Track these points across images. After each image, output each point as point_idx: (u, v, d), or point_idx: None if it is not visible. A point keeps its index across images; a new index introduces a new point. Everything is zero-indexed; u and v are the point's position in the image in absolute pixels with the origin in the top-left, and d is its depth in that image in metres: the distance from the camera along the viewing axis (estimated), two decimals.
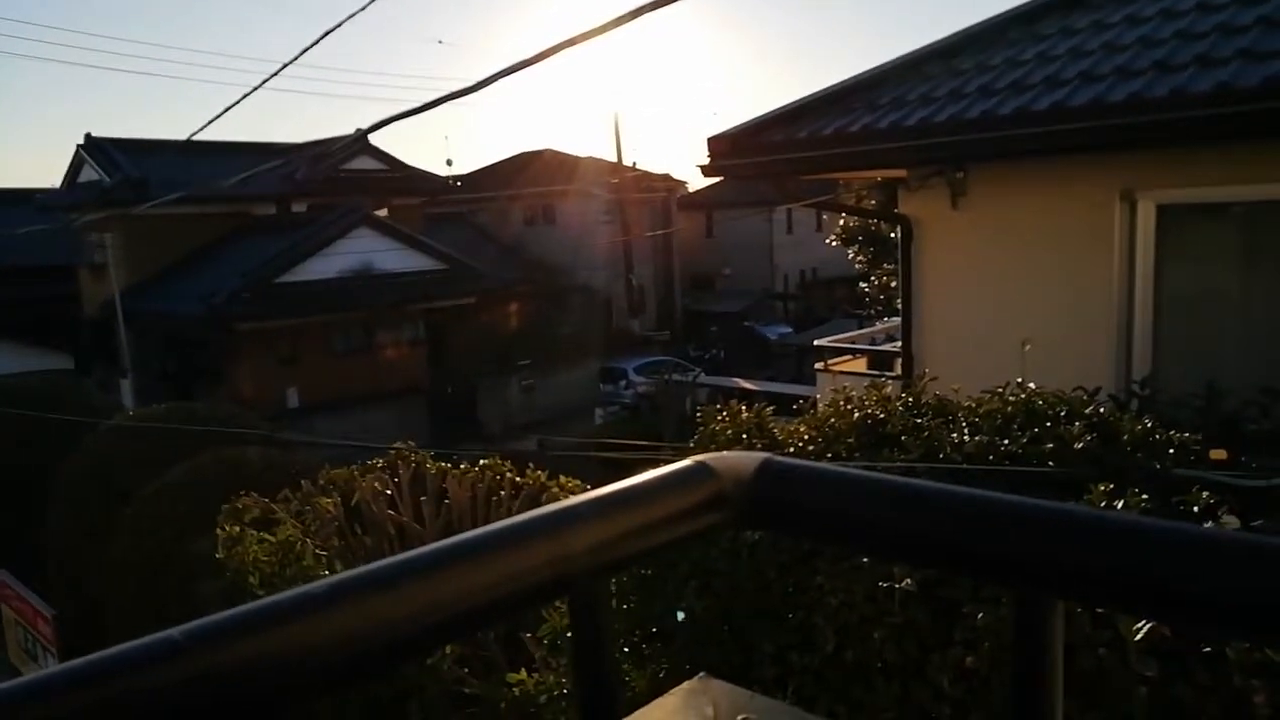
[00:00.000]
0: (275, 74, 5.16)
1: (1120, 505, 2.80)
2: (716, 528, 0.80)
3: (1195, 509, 2.82)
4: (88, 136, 23.32)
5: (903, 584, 2.74)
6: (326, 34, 4.51)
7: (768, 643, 3.04)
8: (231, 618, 0.53)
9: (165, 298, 21.05)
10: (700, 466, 0.80)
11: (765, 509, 0.79)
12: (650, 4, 3.05)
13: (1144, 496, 2.81)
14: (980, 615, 2.61)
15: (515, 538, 0.67)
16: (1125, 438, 3.41)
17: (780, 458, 0.81)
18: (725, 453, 0.87)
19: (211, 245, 22.60)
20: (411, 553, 0.63)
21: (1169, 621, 1.97)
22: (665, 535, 0.77)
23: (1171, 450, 3.31)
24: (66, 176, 24.35)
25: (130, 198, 19.52)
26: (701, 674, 1.10)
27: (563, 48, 3.65)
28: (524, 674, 3.63)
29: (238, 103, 5.77)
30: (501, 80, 4.09)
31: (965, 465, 3.26)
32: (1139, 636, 2.31)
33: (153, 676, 0.49)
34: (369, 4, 4.28)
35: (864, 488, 0.76)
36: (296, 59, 4.89)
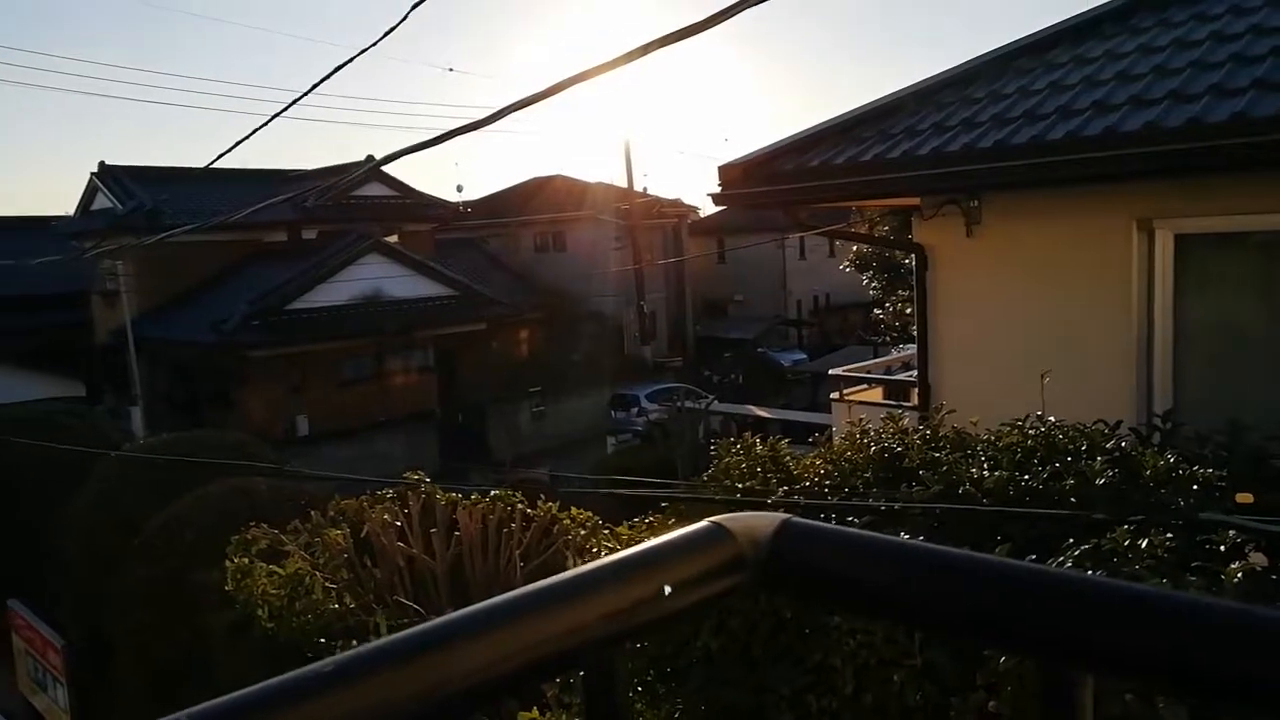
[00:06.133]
0: (291, 104, 5.19)
1: (1144, 545, 2.73)
2: (733, 592, 0.77)
3: (1222, 548, 2.75)
4: (101, 164, 23.63)
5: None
6: (338, 68, 4.54)
7: (784, 684, 2.97)
8: (241, 698, 0.52)
9: (176, 325, 21.19)
10: (716, 528, 0.77)
11: (784, 573, 0.77)
12: (659, 40, 3.04)
13: (1169, 536, 2.74)
14: (1003, 659, 2.54)
15: (526, 609, 0.65)
16: (1148, 473, 3.34)
17: (799, 519, 0.78)
18: (742, 514, 0.85)
19: (223, 272, 22.77)
20: (420, 627, 0.62)
21: (1207, 704, 1.90)
22: (681, 601, 0.74)
23: (1195, 487, 3.24)
24: (80, 204, 24.66)
25: (143, 225, 19.72)
26: None
27: (575, 81, 3.65)
28: (535, 713, 3.56)
29: (255, 132, 5.82)
30: (517, 110, 4.09)
31: (985, 502, 3.19)
32: None
33: None
34: (382, 38, 4.31)
35: (888, 554, 0.73)
36: (312, 90, 4.93)
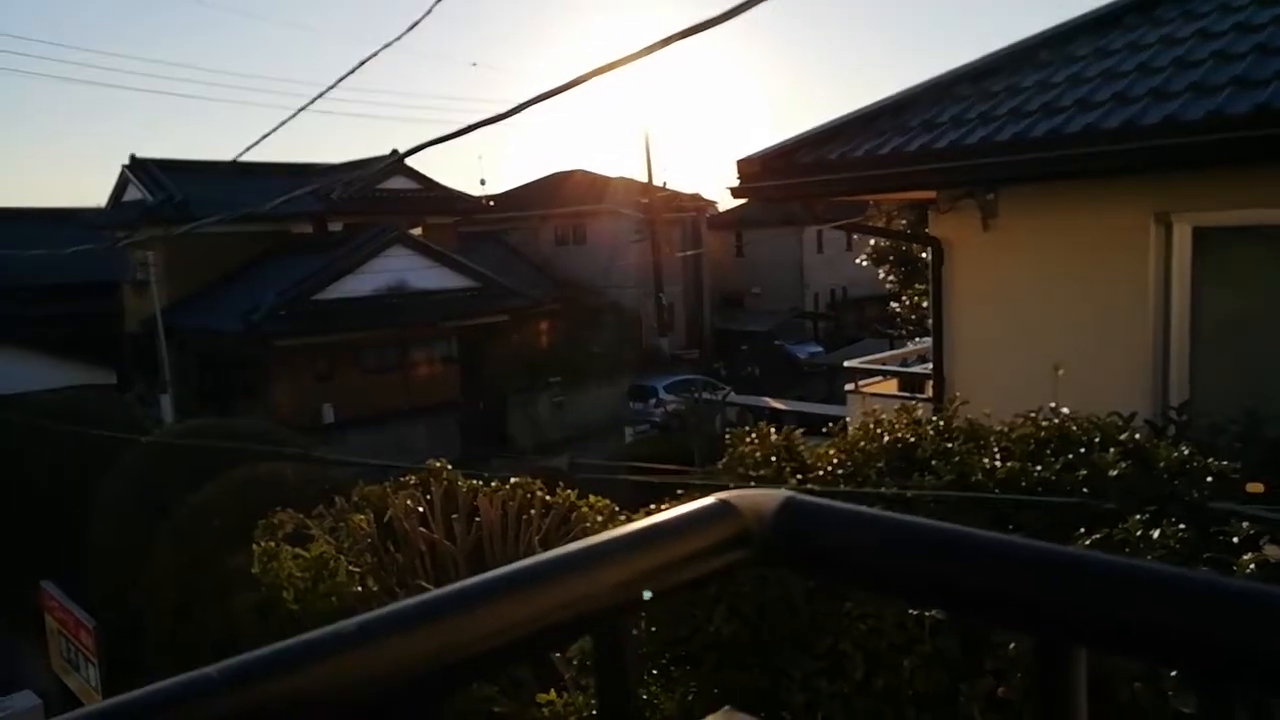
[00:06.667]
0: (317, 98, 5.29)
1: (1156, 535, 2.76)
2: (737, 566, 0.80)
3: (1235, 540, 2.78)
4: (133, 157, 23.99)
5: (933, 612, 2.73)
6: (363, 63, 4.63)
7: (796, 668, 3.03)
8: (267, 655, 0.55)
9: (205, 314, 21.52)
10: (722, 504, 0.80)
11: (786, 548, 0.79)
12: (679, 33, 3.10)
13: (1181, 527, 2.77)
14: (1011, 645, 2.59)
15: (539, 576, 0.68)
16: (1161, 465, 3.36)
17: (803, 496, 0.81)
18: (748, 490, 0.87)
19: (250, 263, 23.09)
20: (437, 591, 0.65)
21: (1198, 674, 1.94)
22: (687, 573, 0.77)
23: (1210, 479, 3.26)
24: (112, 196, 25.04)
25: (173, 217, 20.04)
26: (726, 708, 1.11)
27: (594, 75, 3.71)
28: (553, 694, 3.65)
29: (282, 125, 5.92)
30: (538, 103, 4.15)
31: (997, 493, 3.23)
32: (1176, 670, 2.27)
33: (189, 715, 0.50)
34: (406, 32, 4.39)
35: (887, 530, 0.76)
36: (337, 84, 5.02)
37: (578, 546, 0.72)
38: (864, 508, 0.80)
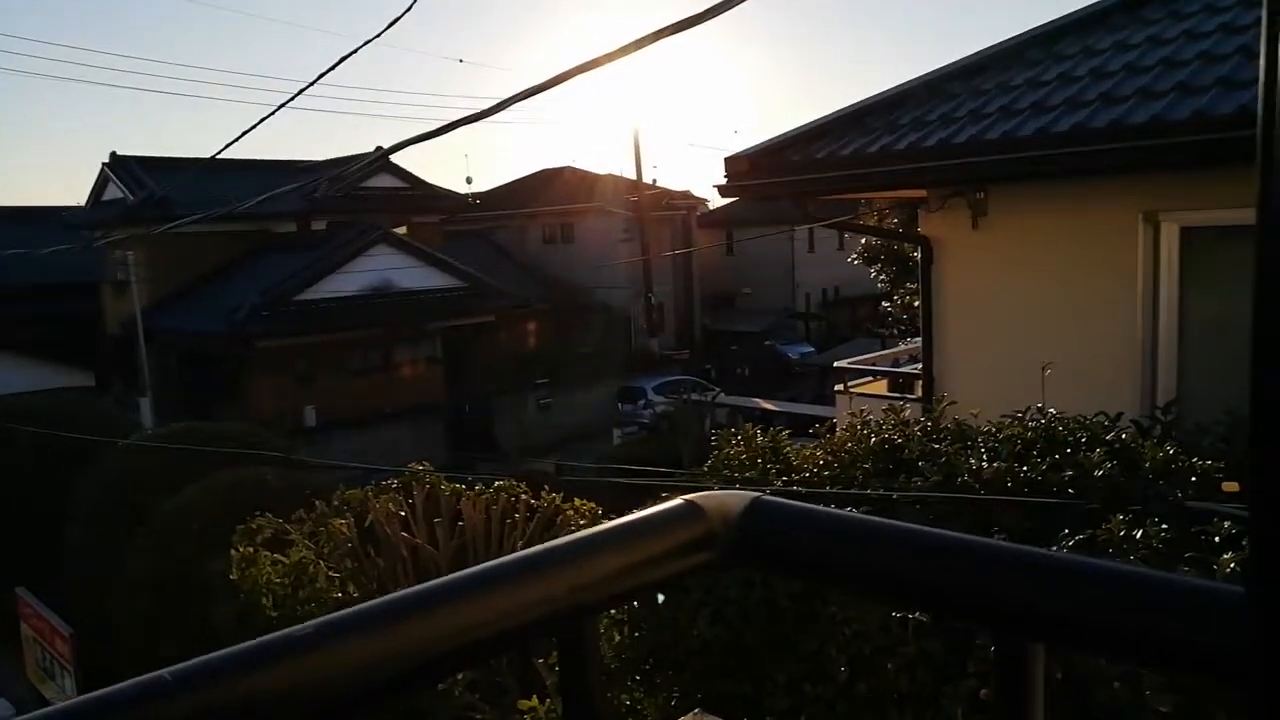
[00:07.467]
0: (297, 95, 5.22)
1: (1139, 535, 2.74)
2: (703, 567, 0.80)
3: (1217, 539, 2.76)
4: (113, 154, 23.75)
5: (915, 614, 2.69)
6: (343, 59, 4.56)
7: (780, 672, 2.99)
8: (221, 658, 0.54)
9: (186, 315, 21.32)
10: (689, 506, 0.79)
11: (753, 548, 0.79)
12: (669, 28, 3.04)
13: (1163, 527, 2.75)
14: (994, 648, 2.55)
15: (500, 579, 0.67)
16: (1147, 465, 3.34)
17: (770, 498, 0.80)
18: (716, 491, 0.87)
19: (232, 262, 22.90)
20: (396, 594, 0.64)
21: (1151, 668, 1.93)
22: (652, 575, 0.77)
23: (1194, 478, 3.24)
24: (91, 194, 24.78)
25: (153, 215, 19.84)
26: (696, 710, 1.08)
27: (581, 71, 3.64)
28: (535, 701, 3.59)
29: (261, 122, 5.84)
30: (521, 100, 4.09)
31: (982, 493, 3.20)
32: None
33: (143, 717, 0.50)
34: (387, 29, 4.33)
35: (850, 529, 0.76)
36: (316, 81, 4.95)
37: (540, 549, 0.72)
38: (830, 509, 0.81)
